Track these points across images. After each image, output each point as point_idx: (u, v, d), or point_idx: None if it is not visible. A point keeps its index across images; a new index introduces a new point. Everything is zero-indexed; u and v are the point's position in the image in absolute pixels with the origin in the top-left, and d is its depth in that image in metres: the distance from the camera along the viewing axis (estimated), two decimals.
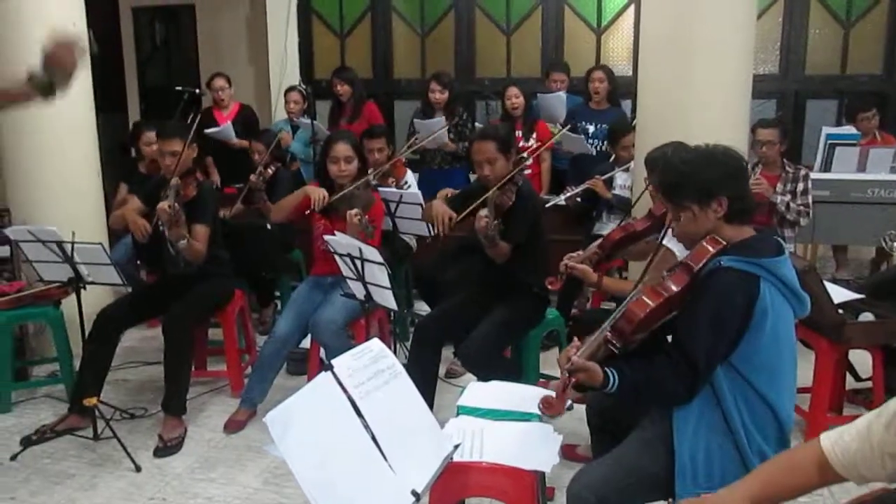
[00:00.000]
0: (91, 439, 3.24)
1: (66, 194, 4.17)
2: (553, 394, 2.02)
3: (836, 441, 1.40)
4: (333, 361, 1.64)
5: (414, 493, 1.60)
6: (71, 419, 3.36)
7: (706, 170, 2.00)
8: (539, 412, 1.94)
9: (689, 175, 2.01)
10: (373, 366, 1.71)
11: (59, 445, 3.27)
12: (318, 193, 3.51)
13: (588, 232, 4.52)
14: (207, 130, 5.43)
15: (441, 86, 5.20)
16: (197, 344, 3.76)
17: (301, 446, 1.47)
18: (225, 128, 5.52)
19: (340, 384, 1.58)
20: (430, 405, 3.16)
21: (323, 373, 1.59)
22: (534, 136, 5.13)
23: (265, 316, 4.77)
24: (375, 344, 1.77)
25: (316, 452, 1.49)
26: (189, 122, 3.63)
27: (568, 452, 3.00)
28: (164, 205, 3.21)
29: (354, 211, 3.26)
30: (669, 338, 2.08)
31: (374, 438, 1.59)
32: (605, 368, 1.93)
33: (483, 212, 3.03)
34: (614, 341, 1.98)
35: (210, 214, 3.52)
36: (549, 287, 2.89)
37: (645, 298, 1.96)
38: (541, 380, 3.38)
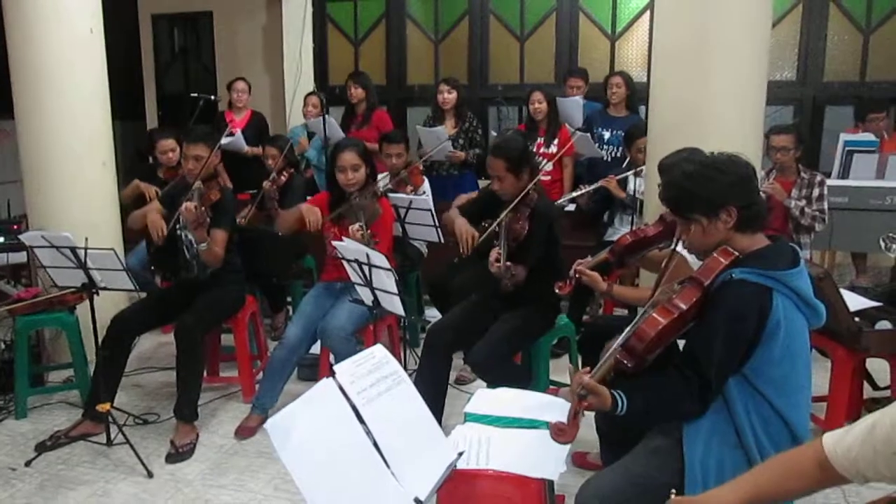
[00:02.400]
0: (104, 445, 3.27)
1: (82, 200, 4.21)
2: (557, 413, 2.00)
3: (837, 441, 1.37)
4: (335, 368, 1.63)
5: (417, 500, 1.59)
6: (85, 425, 3.38)
7: (710, 182, 1.96)
8: (552, 437, 1.91)
9: (693, 189, 1.97)
10: (375, 372, 1.70)
11: (73, 451, 3.29)
12: (313, 215, 3.51)
13: (600, 238, 4.50)
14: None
15: (449, 86, 5.22)
16: (209, 350, 3.78)
17: (302, 453, 1.47)
18: (236, 139, 5.54)
19: (342, 390, 1.57)
20: (440, 412, 3.15)
21: (324, 379, 1.58)
22: (555, 141, 5.12)
23: (277, 321, 4.79)
24: (378, 350, 1.76)
25: (318, 459, 1.48)
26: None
27: (578, 460, 2.98)
28: (190, 205, 3.27)
29: (356, 226, 3.28)
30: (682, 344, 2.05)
31: (376, 445, 1.58)
32: (613, 392, 1.90)
33: (494, 252, 2.98)
34: (625, 361, 1.94)
35: (230, 220, 3.56)
36: (558, 291, 2.86)
37: (656, 316, 1.93)
38: (551, 386, 3.36)
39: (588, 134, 5.06)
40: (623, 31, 6.61)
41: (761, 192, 3.93)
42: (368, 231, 3.28)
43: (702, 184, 1.97)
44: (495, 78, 6.96)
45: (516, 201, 3.10)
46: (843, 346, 3.07)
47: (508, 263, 2.96)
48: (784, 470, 1.46)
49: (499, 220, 3.08)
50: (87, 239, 3.17)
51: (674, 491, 1.55)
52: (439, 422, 3.04)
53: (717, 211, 1.96)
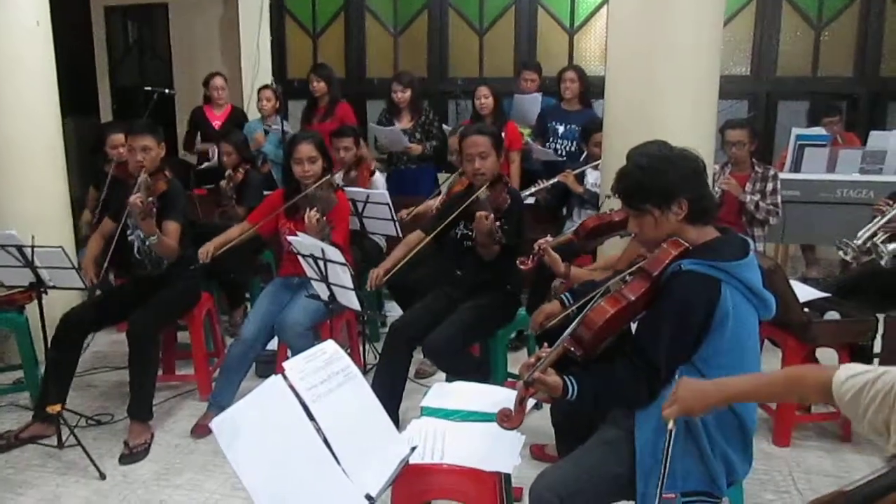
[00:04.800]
0: (55, 447, 3.18)
1: (31, 197, 4.09)
2: (511, 405, 2.00)
3: (846, 380, 1.44)
4: (284, 364, 1.61)
5: (368, 497, 1.58)
6: (35, 427, 3.29)
7: (662, 174, 1.98)
8: (498, 423, 1.92)
9: (646, 180, 1.99)
10: (326, 368, 1.68)
11: (22, 454, 3.20)
12: (203, 249, 3.50)
13: (559, 232, 4.53)
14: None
15: (402, 85, 5.18)
16: (165, 347, 3.71)
17: (250, 452, 1.44)
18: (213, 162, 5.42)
19: (292, 387, 1.55)
20: (398, 406, 3.14)
21: (273, 376, 1.56)
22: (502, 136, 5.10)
23: (236, 318, 4.72)
24: (329, 346, 1.74)
25: (266, 458, 1.46)
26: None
27: (537, 452, 3.00)
28: (135, 198, 3.19)
29: (313, 212, 3.24)
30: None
31: (326, 442, 1.56)
32: (565, 377, 1.92)
33: (482, 212, 3.02)
34: (573, 349, 1.96)
35: (181, 211, 3.49)
36: (521, 267, 2.87)
37: (604, 305, 1.95)
38: (509, 379, 3.37)
39: (546, 148, 5.08)
40: (581, 25, 6.66)
41: (717, 189, 4.01)
42: (324, 218, 3.25)
43: (654, 176, 1.99)
44: (455, 71, 6.96)
45: (494, 179, 3.18)
46: (793, 337, 3.13)
47: (498, 221, 3.02)
48: (791, 380, 1.60)
49: (476, 193, 3.14)
50: (33, 237, 3.09)
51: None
52: (396, 417, 3.06)
53: (669, 203, 1.98)
